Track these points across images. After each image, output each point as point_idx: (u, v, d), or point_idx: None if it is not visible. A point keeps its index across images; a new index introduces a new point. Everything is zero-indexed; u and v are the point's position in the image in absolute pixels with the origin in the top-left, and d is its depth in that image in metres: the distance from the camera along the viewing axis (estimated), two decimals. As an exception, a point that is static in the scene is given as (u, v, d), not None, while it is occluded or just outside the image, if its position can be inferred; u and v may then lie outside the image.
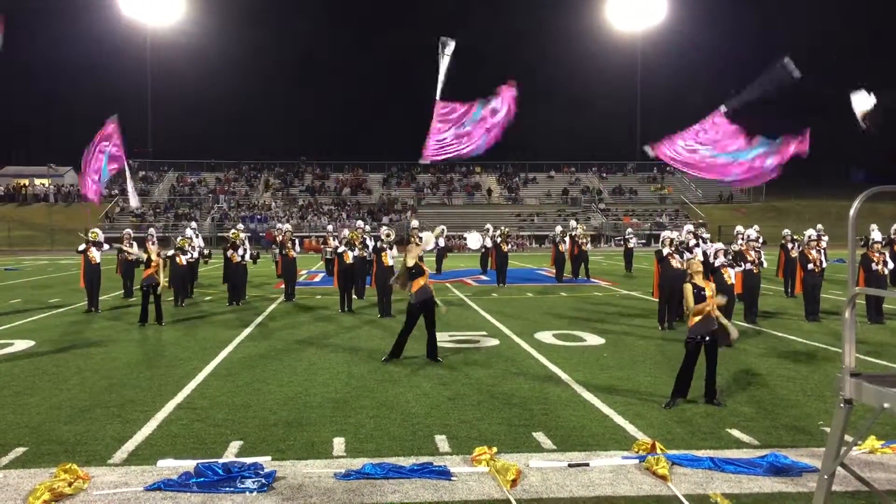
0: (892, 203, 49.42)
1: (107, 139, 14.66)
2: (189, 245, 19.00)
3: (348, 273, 17.13)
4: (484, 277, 25.87)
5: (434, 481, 5.89)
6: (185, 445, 6.84)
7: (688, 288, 8.36)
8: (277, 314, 16.43)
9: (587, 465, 6.25)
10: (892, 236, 18.37)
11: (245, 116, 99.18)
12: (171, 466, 6.22)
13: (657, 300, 14.79)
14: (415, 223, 22.41)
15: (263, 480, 5.80)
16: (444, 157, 10.24)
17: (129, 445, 6.84)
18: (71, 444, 6.91)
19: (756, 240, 15.03)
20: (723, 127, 7.85)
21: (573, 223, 27.82)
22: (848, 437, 4.56)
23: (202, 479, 5.77)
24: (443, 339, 12.75)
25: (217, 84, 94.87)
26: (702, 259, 15.33)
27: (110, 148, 14.63)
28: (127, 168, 14.66)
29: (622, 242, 33.33)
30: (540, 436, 7.10)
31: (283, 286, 19.87)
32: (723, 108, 7.98)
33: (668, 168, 73.12)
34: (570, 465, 6.24)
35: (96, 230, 18.22)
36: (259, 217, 58.94)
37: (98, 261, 17.14)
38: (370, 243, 18.02)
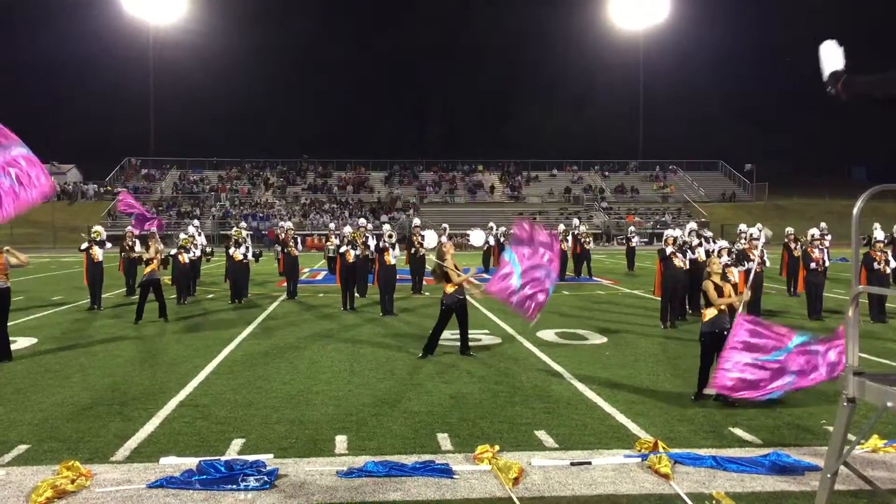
0: (894, 202, 49.38)
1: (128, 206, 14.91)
2: (192, 243, 19.02)
3: (350, 271, 17.13)
4: (487, 276, 25.85)
5: (436, 479, 5.89)
6: (188, 443, 6.85)
7: (709, 284, 8.62)
8: (279, 312, 16.44)
9: (589, 463, 6.25)
10: (895, 235, 18.34)
11: (247, 114, 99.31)
12: (174, 464, 6.23)
13: (659, 299, 14.78)
14: (416, 221, 22.37)
15: (266, 478, 5.80)
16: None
17: (132, 443, 6.84)
18: (73, 441, 6.92)
19: (758, 238, 15.00)
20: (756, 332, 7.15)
21: (575, 222, 27.83)
22: (851, 436, 4.56)
23: (205, 477, 5.78)
24: (445, 337, 12.75)
25: (220, 82, 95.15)
26: (704, 258, 15.36)
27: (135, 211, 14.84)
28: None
29: (624, 241, 33.28)
30: (542, 434, 7.09)
31: (285, 284, 19.88)
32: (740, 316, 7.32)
33: (670, 167, 73.15)
34: (572, 464, 6.24)
35: (99, 228, 18.21)
36: (261, 215, 58.94)
37: (100, 258, 17.17)
38: (372, 242, 18.01)
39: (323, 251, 30.71)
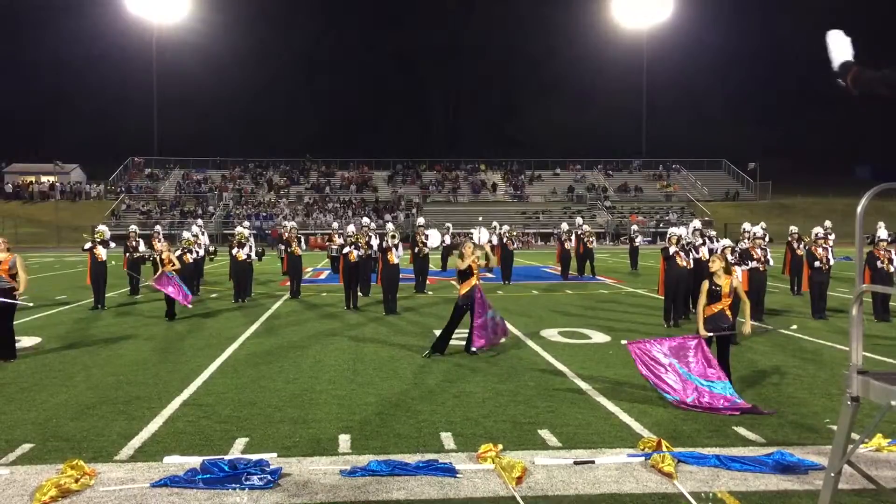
0: (898, 201, 49.25)
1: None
2: (195, 244, 19.05)
3: (353, 271, 17.14)
4: (489, 275, 25.77)
5: (439, 478, 5.89)
6: (191, 442, 6.86)
7: (704, 285, 8.69)
8: (283, 311, 16.46)
9: (593, 462, 6.25)
10: (899, 234, 18.28)
11: (250, 114, 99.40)
12: (177, 463, 6.24)
13: (662, 298, 14.77)
14: (420, 220, 22.37)
15: (269, 477, 5.80)
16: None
17: (136, 442, 6.85)
18: (77, 440, 6.93)
19: (762, 237, 14.99)
20: (700, 352, 8.15)
21: (579, 220, 27.81)
22: (855, 435, 4.55)
23: (208, 476, 5.78)
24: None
25: (223, 81, 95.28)
26: (708, 257, 15.32)
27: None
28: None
29: (627, 240, 33.26)
30: (545, 433, 7.09)
31: (288, 283, 19.89)
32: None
33: (673, 166, 73.10)
34: (575, 463, 6.23)
35: (103, 228, 18.23)
36: (264, 215, 59.01)
37: (104, 258, 17.19)
38: (375, 242, 18.01)
39: (326, 250, 30.74)
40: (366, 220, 23.29)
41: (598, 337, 12.73)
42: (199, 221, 26.72)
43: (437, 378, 9.50)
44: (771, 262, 14.65)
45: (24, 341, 12.37)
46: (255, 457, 6.25)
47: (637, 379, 9.16)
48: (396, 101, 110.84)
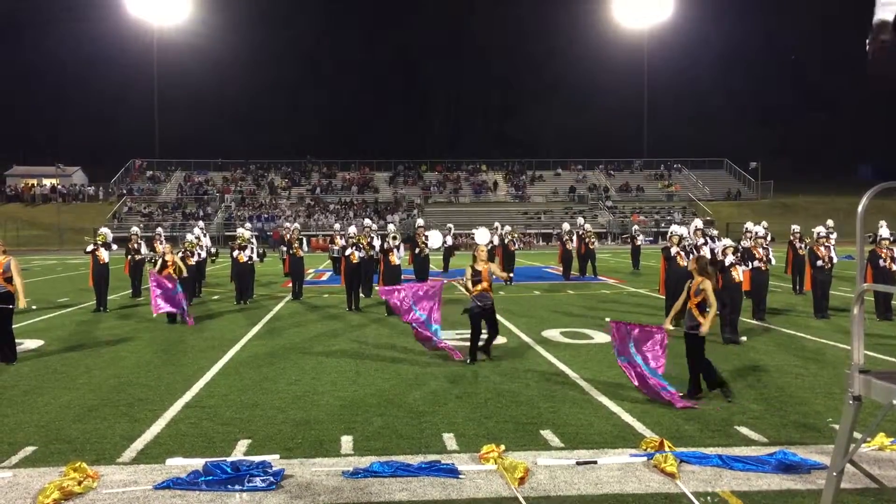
0: (900, 199, 49.18)
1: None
2: (196, 246, 19.06)
3: (355, 272, 17.14)
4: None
5: (442, 479, 5.89)
6: (194, 444, 6.86)
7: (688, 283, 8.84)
8: (285, 313, 16.46)
9: (595, 462, 6.25)
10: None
11: (252, 115, 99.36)
12: (180, 465, 6.25)
13: (664, 297, 14.76)
14: (420, 221, 22.37)
15: (272, 479, 5.81)
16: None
17: (138, 444, 6.86)
18: (80, 442, 6.94)
19: (764, 237, 14.97)
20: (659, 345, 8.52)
21: (580, 221, 27.80)
22: (857, 434, 4.55)
23: (211, 478, 5.79)
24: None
25: (223, 83, 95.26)
26: (709, 257, 15.31)
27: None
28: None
29: (629, 240, 33.24)
30: (548, 434, 7.09)
31: (290, 285, 19.89)
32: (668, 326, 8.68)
33: (675, 165, 73.07)
34: (577, 463, 6.24)
35: (104, 231, 18.23)
36: (266, 216, 59.04)
37: (106, 260, 17.19)
38: (377, 243, 18.02)
39: (328, 252, 30.74)
40: (367, 221, 23.30)
41: (600, 337, 12.73)
42: (201, 223, 26.74)
43: (439, 379, 9.50)
44: (773, 262, 14.64)
45: (27, 344, 12.38)
46: (257, 458, 6.26)
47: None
48: (397, 101, 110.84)
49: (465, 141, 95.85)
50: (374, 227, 21.80)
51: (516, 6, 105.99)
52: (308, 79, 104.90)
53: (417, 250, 19.97)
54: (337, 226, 30.17)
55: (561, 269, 25.40)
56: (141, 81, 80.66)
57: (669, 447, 6.42)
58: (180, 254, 18.05)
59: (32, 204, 62.80)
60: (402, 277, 16.69)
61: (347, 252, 17.21)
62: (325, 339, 12.73)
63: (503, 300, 18.56)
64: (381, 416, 7.75)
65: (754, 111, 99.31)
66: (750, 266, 13.92)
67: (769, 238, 15.37)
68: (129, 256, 19.98)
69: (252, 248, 18.81)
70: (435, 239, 22.85)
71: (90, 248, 17.35)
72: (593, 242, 25.88)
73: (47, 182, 66.15)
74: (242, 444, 6.84)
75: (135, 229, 20.73)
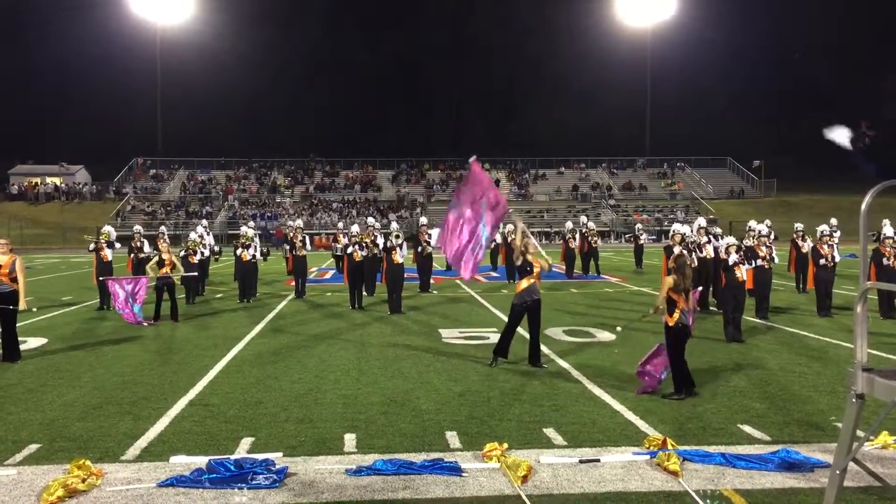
0: (904, 198, 49.06)
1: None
2: (200, 244, 19.09)
3: (358, 270, 17.16)
4: (494, 274, 25.85)
5: (445, 477, 5.90)
6: (197, 442, 6.88)
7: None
8: (288, 311, 16.48)
9: (598, 461, 6.25)
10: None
11: (254, 114, 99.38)
12: (184, 463, 6.26)
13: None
14: (423, 220, 22.38)
15: (275, 476, 5.82)
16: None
17: (142, 442, 6.88)
18: (84, 440, 6.95)
19: (767, 235, 14.95)
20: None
21: (583, 219, 27.79)
22: (860, 433, 4.55)
23: (214, 476, 5.80)
24: (453, 335, 12.78)
25: (227, 82, 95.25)
26: (713, 255, 15.31)
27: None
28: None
29: (632, 239, 33.23)
30: (550, 432, 7.10)
31: (293, 283, 19.92)
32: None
33: (678, 164, 73.00)
34: (580, 462, 6.24)
35: (108, 230, 18.26)
36: (269, 214, 59.08)
37: (110, 258, 17.22)
38: (380, 241, 18.03)
39: (331, 250, 30.77)
40: (370, 219, 23.32)
41: (603, 335, 12.72)
42: (204, 222, 26.78)
43: (442, 377, 9.51)
44: (776, 260, 14.61)
45: (30, 342, 12.41)
46: (260, 456, 6.28)
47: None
48: (400, 100, 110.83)
49: (468, 139, 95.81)
50: (378, 225, 21.83)
51: (519, 4, 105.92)
52: (311, 77, 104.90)
53: (420, 249, 19.99)
54: (340, 224, 30.19)
55: (564, 267, 25.40)
56: (144, 80, 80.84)
57: (672, 445, 6.42)
58: (183, 252, 18.10)
59: (36, 202, 62.93)
60: (406, 276, 16.70)
61: (350, 250, 17.24)
62: (329, 338, 12.74)
63: (506, 298, 18.55)
64: (385, 414, 7.76)
65: (758, 109, 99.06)
66: (753, 264, 13.89)
67: (772, 236, 15.35)
68: (133, 255, 19.99)
69: (255, 247, 18.84)
70: (437, 237, 22.85)
71: (92, 246, 17.39)
72: (596, 241, 25.87)
73: (50, 181, 66.27)
74: (246, 442, 6.86)
75: (138, 228, 20.71)
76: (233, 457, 6.25)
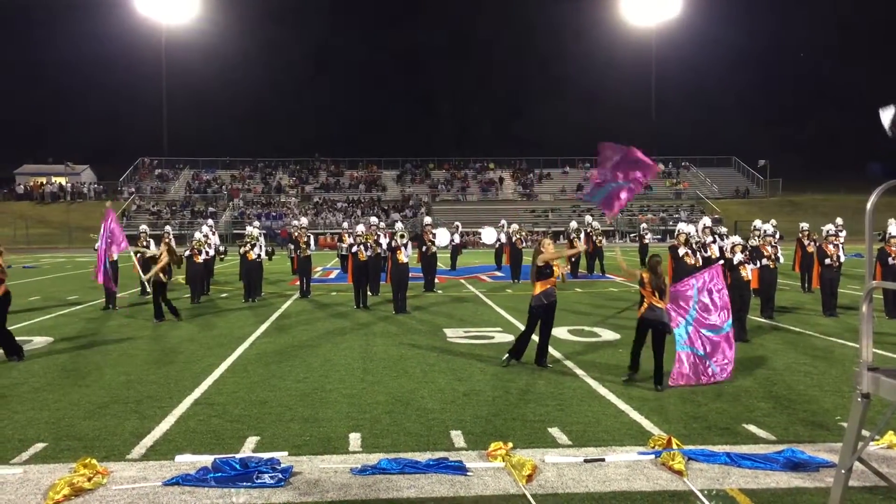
0: (910, 197, 48.90)
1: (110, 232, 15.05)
2: (205, 244, 19.12)
3: (362, 270, 17.17)
4: (499, 273, 25.87)
5: (450, 476, 5.90)
6: (203, 441, 6.89)
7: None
8: (293, 311, 16.50)
9: (603, 460, 6.25)
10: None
11: (259, 113, 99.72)
12: (189, 461, 6.28)
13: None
14: (427, 219, 22.38)
15: (280, 475, 5.83)
16: None
17: (148, 441, 6.90)
18: (90, 439, 6.98)
19: (773, 235, 14.93)
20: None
21: (588, 219, 27.76)
22: (865, 432, 4.54)
23: (220, 474, 5.82)
24: (457, 334, 12.79)
25: (232, 82, 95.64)
26: (718, 255, 15.28)
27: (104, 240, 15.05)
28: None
29: (637, 238, 33.18)
30: (555, 431, 7.10)
31: (298, 283, 19.95)
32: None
33: (683, 163, 72.86)
34: (585, 461, 6.24)
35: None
36: (274, 214, 59.14)
37: (115, 258, 17.25)
38: (384, 241, 18.04)
39: (336, 250, 30.80)
40: (374, 219, 23.33)
41: (608, 335, 12.72)
42: (210, 222, 26.80)
43: (446, 377, 9.51)
44: (781, 260, 14.59)
45: (36, 341, 12.45)
46: (266, 455, 6.29)
47: (647, 376, 9.16)
48: (405, 99, 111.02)
49: (473, 139, 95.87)
50: (382, 224, 21.84)
51: (524, 4, 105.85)
52: (315, 78, 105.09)
53: (424, 248, 20.00)
54: (345, 224, 30.22)
55: (568, 266, 25.36)
56: (149, 80, 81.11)
57: (677, 445, 6.41)
58: (187, 251, 18.11)
59: (42, 202, 63.08)
60: (411, 276, 16.70)
61: (355, 250, 17.25)
62: (333, 337, 12.75)
63: (511, 298, 18.58)
64: (389, 414, 7.77)
65: (763, 109, 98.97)
66: (758, 264, 13.88)
67: (777, 236, 15.33)
68: (138, 255, 20.03)
69: (260, 246, 18.86)
70: (442, 237, 22.90)
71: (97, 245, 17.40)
72: (601, 240, 25.85)
73: (56, 180, 66.43)
74: (251, 441, 6.87)
75: (143, 227, 20.76)
76: (238, 456, 6.26)
